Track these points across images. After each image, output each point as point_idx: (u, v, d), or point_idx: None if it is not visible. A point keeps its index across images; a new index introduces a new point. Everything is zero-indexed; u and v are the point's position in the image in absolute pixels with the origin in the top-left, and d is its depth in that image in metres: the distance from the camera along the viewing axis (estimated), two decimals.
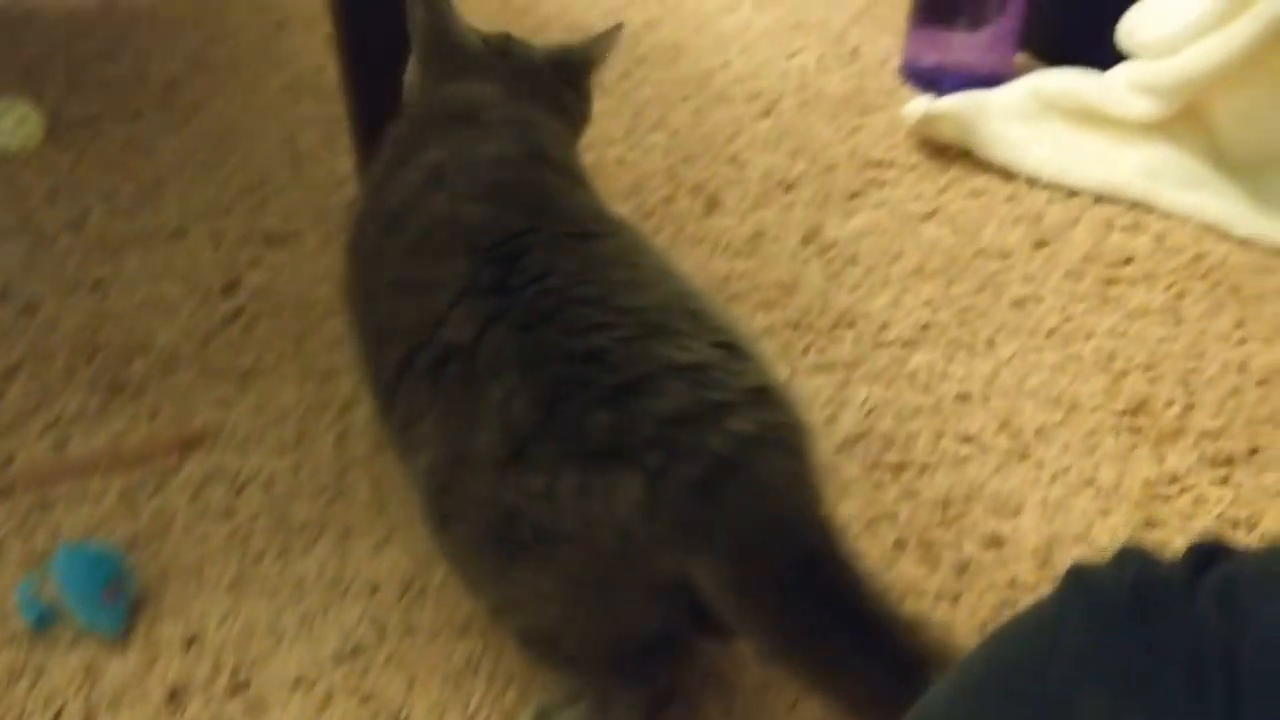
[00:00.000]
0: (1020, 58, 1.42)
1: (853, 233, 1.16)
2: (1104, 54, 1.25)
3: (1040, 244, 1.15)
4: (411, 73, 0.88)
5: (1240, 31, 1.08)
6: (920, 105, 1.25)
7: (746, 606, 0.60)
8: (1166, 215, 1.17)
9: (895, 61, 1.43)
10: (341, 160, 1.22)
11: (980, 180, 1.23)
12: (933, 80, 1.38)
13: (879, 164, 1.26)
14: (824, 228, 1.17)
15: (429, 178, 0.71)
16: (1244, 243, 1.14)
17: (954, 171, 1.24)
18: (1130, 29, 1.21)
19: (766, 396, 0.61)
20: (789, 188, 1.22)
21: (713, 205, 1.20)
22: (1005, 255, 1.13)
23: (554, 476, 0.57)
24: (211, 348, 1.00)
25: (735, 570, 0.59)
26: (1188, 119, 1.18)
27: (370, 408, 0.77)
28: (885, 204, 1.20)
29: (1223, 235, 1.15)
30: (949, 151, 1.27)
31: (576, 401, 0.58)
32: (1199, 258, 1.12)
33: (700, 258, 1.12)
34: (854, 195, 1.21)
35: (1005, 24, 1.35)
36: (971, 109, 1.23)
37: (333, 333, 1.01)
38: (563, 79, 0.86)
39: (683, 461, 0.57)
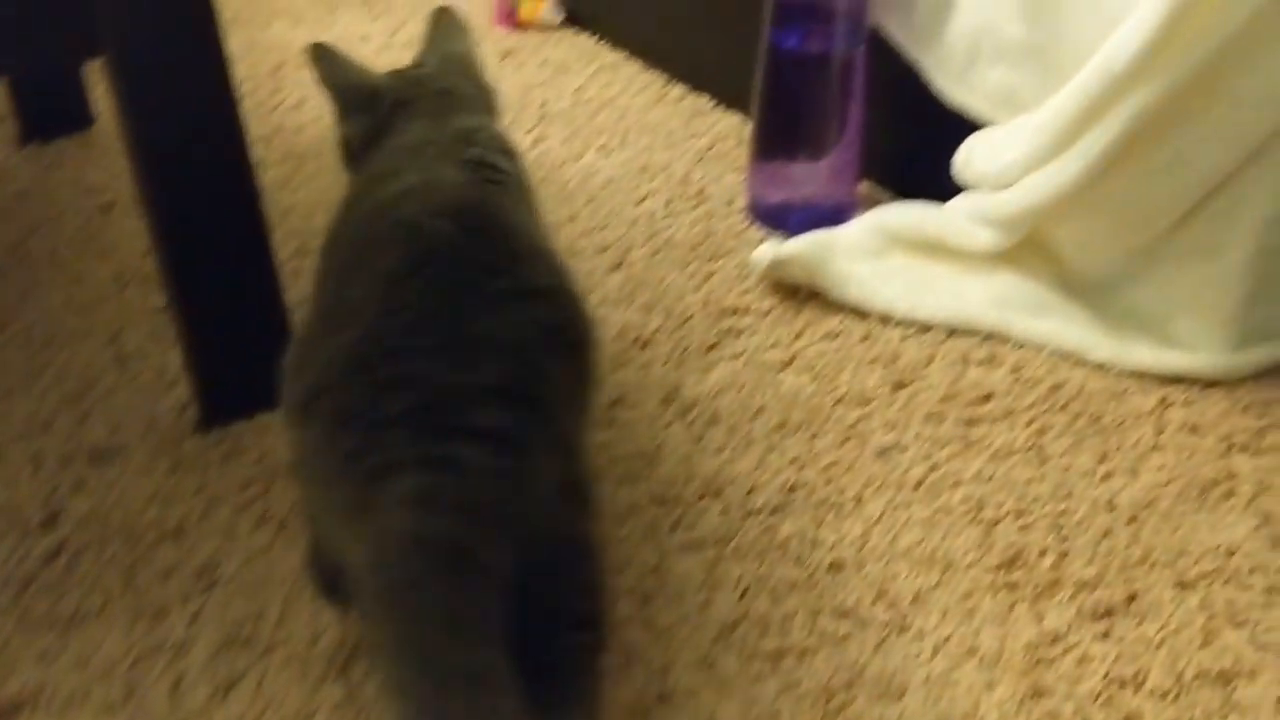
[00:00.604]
0: (865, 186, 1.43)
1: (712, 389, 1.13)
2: (946, 182, 1.26)
3: (899, 385, 1.13)
4: (342, 128, 1.00)
5: (1074, 161, 1.09)
6: (766, 252, 1.24)
7: None
8: (1021, 345, 1.17)
9: (741, 200, 1.43)
10: (171, 356, 1.15)
11: (835, 321, 1.22)
12: (779, 217, 1.37)
13: (734, 311, 1.24)
14: (683, 386, 1.14)
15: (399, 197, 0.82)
16: (1099, 368, 1.14)
17: (808, 314, 1.23)
18: (966, 161, 1.23)
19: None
20: (645, 345, 1.19)
21: None
22: (865, 402, 1.12)
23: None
24: (30, 593, 0.91)
25: None
26: (1031, 247, 1.19)
27: None
28: (743, 354, 1.18)
29: (1078, 362, 1.15)
30: (801, 293, 1.25)
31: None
32: (1056, 388, 1.12)
33: None
34: (711, 348, 1.19)
35: (844, 154, 1.35)
36: (818, 250, 1.23)
37: (165, 562, 0.93)
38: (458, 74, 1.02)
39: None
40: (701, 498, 1.01)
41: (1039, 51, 1.14)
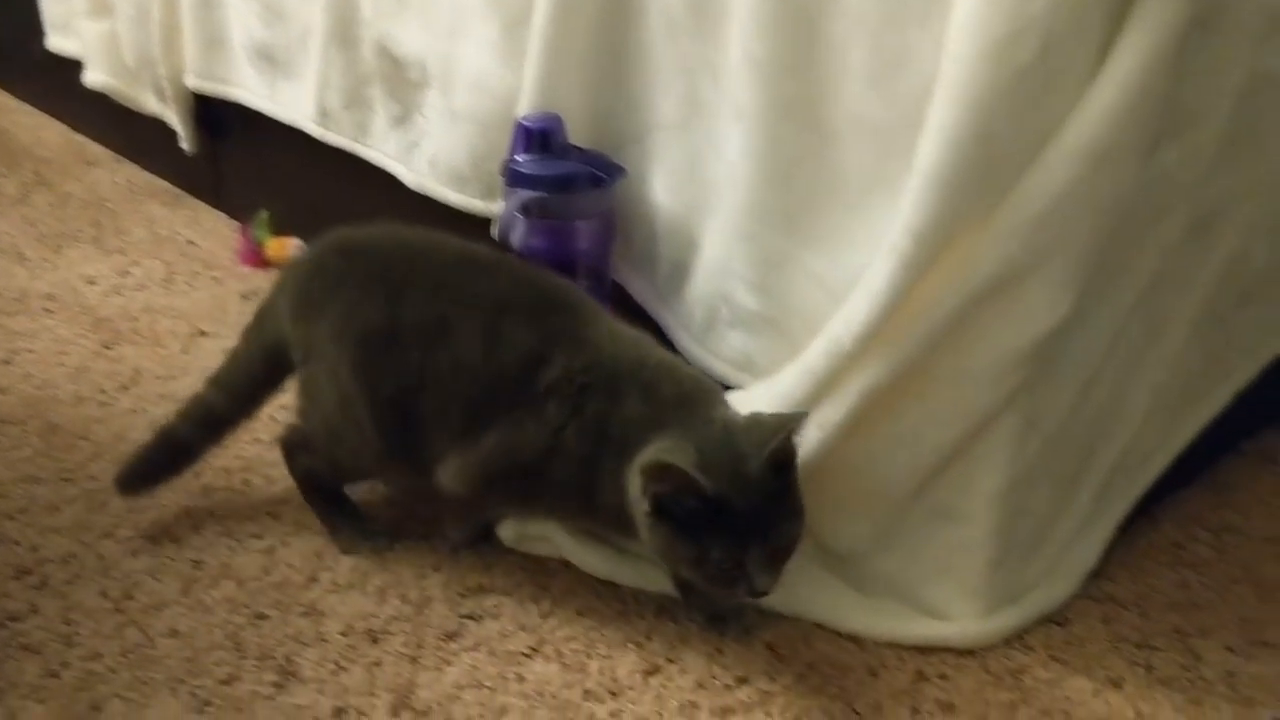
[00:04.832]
0: None
1: (449, 689, 1.03)
2: None
3: (652, 671, 1.06)
4: None
5: (812, 433, 1.07)
6: (509, 530, 1.17)
7: None
8: (777, 616, 1.13)
9: None
10: None
11: (586, 596, 1.15)
12: None
13: (477, 591, 1.15)
14: (416, 688, 1.03)
15: None
16: (855, 639, 1.10)
17: (556, 589, 1.16)
18: None
19: None
20: (376, 639, 1.09)
21: (286, 677, 1.04)
22: (616, 692, 1.04)
23: None
24: None
25: None
26: None
27: None
28: (485, 643, 1.09)
29: (834, 634, 1.11)
30: (550, 565, 1.18)
31: None
32: (813, 666, 1.07)
33: None
34: (450, 636, 1.09)
35: None
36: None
37: None
38: None
39: None
40: None
41: (772, 321, 1.14)
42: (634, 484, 0.99)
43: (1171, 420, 1.21)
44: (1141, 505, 1.22)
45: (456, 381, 1.07)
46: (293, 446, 1.22)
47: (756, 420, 1.00)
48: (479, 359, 1.06)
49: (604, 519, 1.07)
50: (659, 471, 0.95)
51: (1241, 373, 1.28)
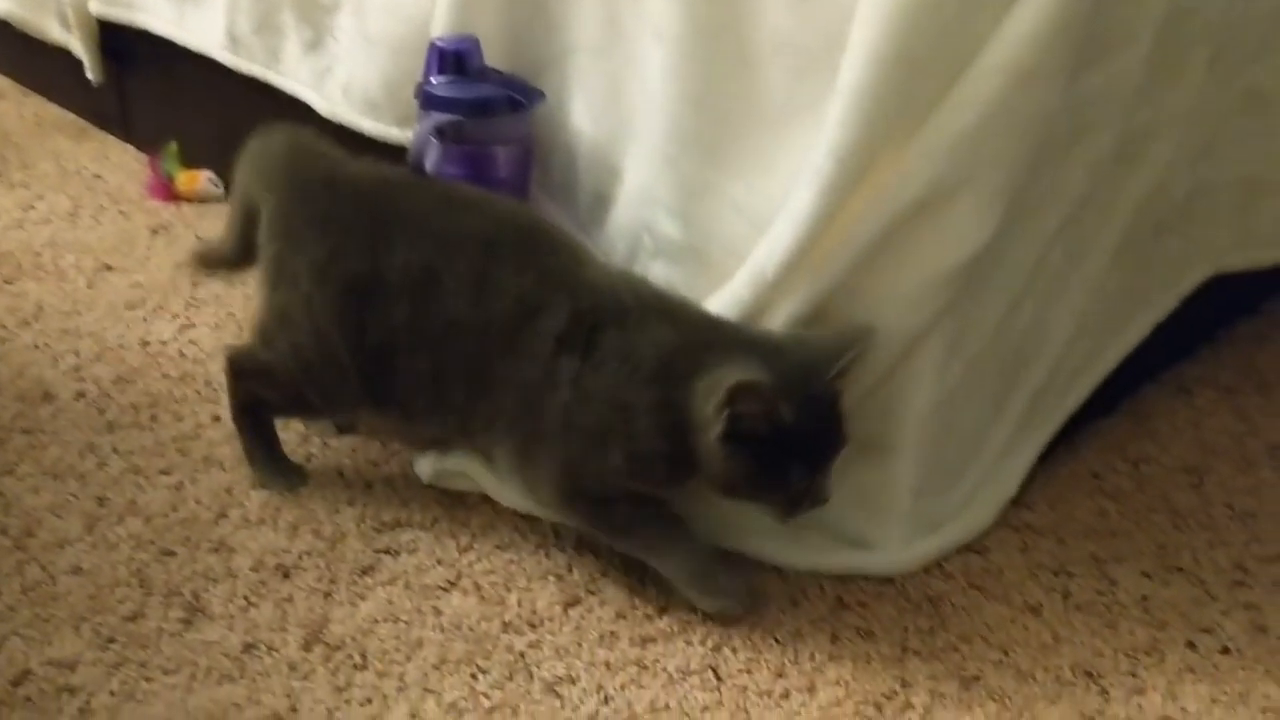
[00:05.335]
0: None
1: (364, 623, 1.01)
2: None
3: (571, 603, 1.05)
4: None
5: None
6: (427, 465, 1.14)
7: None
8: None
9: None
10: None
11: (506, 531, 1.13)
12: None
13: (393, 526, 1.13)
14: (330, 622, 1.01)
15: None
16: (775, 571, 1.10)
17: (477, 523, 1.13)
18: None
19: None
20: (288, 574, 1.06)
21: (194, 614, 1.01)
22: (535, 624, 1.02)
23: None
24: None
25: None
26: None
27: None
28: (401, 577, 1.07)
29: (755, 568, 1.10)
30: (470, 499, 1.16)
31: None
32: None
33: (174, 695, 0.93)
34: (365, 571, 1.07)
35: None
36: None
37: None
38: None
39: None
40: None
41: (695, 251, 1.12)
42: (704, 405, 0.95)
43: (1093, 348, 1.22)
44: (1062, 435, 1.23)
45: (449, 335, 1.03)
46: (243, 370, 1.15)
47: (806, 339, 0.98)
48: (469, 309, 1.02)
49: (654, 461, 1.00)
50: (743, 392, 0.92)
51: (1160, 303, 1.29)
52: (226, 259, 1.24)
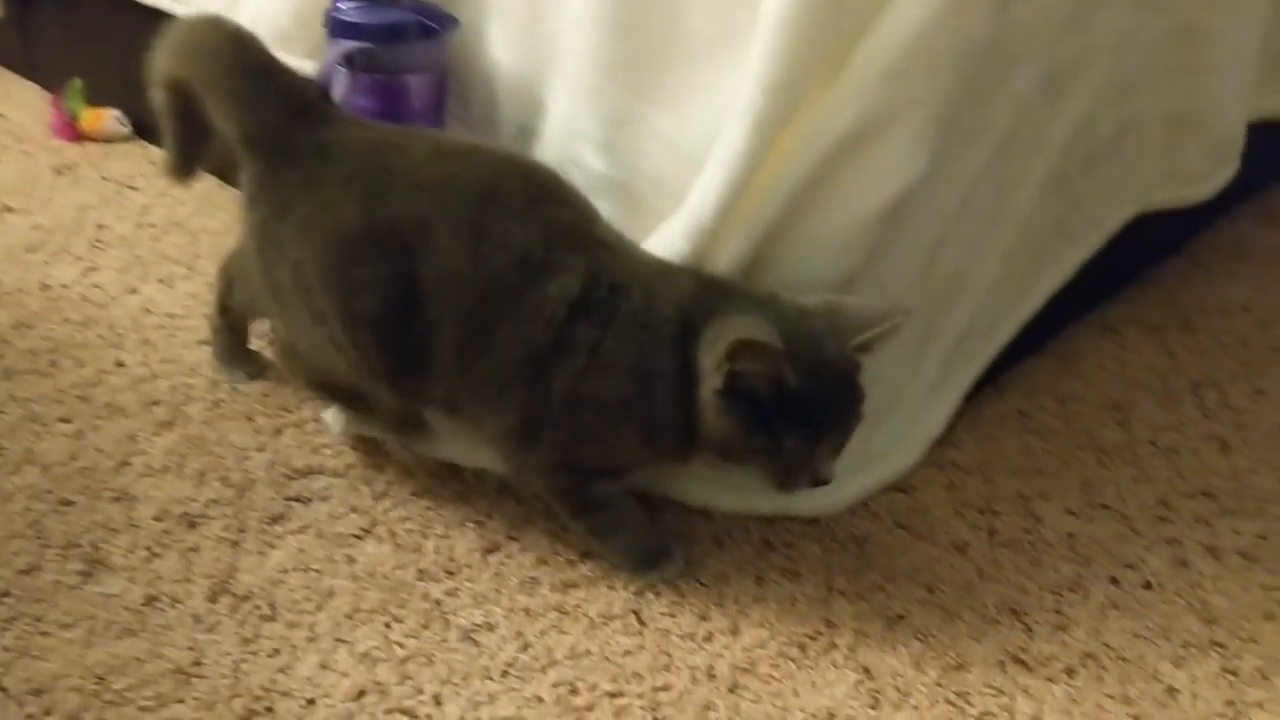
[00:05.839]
0: None
1: (273, 573, 0.97)
2: None
3: (491, 549, 1.02)
4: None
5: None
6: (336, 417, 1.10)
7: None
8: None
9: None
10: None
11: (424, 478, 1.09)
12: None
13: (305, 473, 1.09)
14: (237, 572, 0.97)
15: None
16: (704, 514, 1.08)
17: (393, 471, 1.10)
18: None
19: None
20: (193, 524, 1.02)
21: (93, 566, 0.97)
22: (453, 571, 0.99)
23: None
24: None
25: None
26: None
27: None
28: (313, 525, 1.03)
29: (679, 511, 1.08)
30: (384, 446, 1.12)
31: None
32: None
33: (71, 650, 0.88)
34: (275, 519, 1.03)
35: None
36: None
37: None
38: None
39: None
40: (250, 717, 0.84)
41: (621, 185, 1.08)
42: (707, 357, 0.89)
43: (1020, 287, 1.20)
44: (989, 374, 1.21)
45: (446, 295, 0.93)
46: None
47: (833, 306, 0.92)
48: (467, 265, 0.93)
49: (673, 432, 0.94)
50: (746, 349, 0.86)
51: (1087, 241, 1.28)
52: (180, 173, 1.10)
